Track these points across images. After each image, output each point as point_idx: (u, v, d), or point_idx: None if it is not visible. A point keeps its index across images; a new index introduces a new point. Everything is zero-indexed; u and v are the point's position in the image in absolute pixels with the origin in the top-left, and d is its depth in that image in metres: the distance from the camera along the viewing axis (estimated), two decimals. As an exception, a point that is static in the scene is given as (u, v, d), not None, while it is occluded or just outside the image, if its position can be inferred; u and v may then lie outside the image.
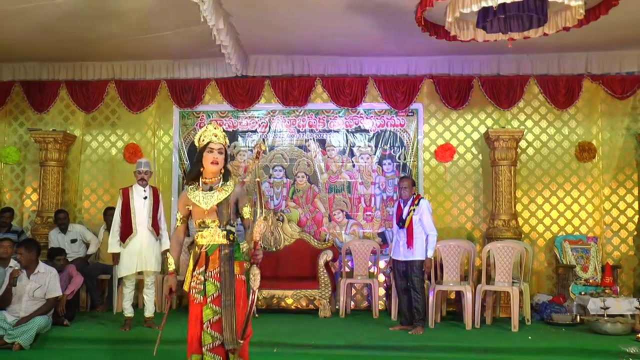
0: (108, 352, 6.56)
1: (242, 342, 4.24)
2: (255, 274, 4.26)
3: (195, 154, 4.52)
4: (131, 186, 7.50)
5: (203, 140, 4.40)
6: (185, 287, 4.39)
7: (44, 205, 9.48)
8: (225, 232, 4.34)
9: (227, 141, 4.52)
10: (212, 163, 4.36)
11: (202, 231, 4.35)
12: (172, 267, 4.33)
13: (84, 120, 10.04)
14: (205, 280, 4.30)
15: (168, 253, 4.39)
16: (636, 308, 7.57)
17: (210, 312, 4.25)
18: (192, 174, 4.46)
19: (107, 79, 9.87)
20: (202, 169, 4.41)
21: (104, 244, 8.67)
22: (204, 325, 4.25)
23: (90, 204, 9.93)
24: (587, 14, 6.83)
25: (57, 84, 9.90)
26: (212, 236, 4.33)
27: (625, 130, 9.50)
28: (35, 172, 9.83)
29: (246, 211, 4.43)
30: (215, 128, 4.44)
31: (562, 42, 8.39)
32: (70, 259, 8.59)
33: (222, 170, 4.44)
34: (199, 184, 4.41)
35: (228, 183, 4.41)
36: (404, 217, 7.46)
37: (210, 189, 4.38)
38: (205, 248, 4.33)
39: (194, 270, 4.35)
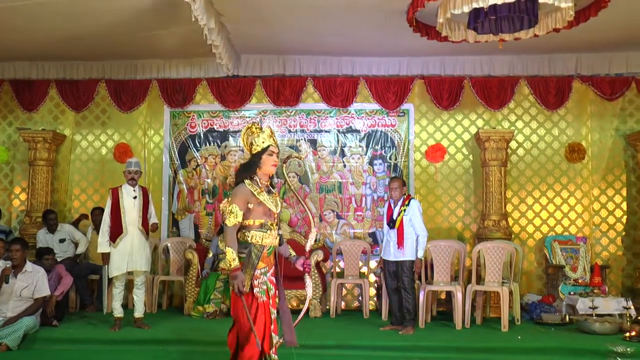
0: (97, 352, 6.54)
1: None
2: (310, 283, 4.57)
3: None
4: (121, 186, 7.45)
5: (263, 142, 4.47)
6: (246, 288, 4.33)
7: (32, 205, 9.43)
8: (279, 236, 4.53)
9: None
10: (272, 166, 4.48)
11: (265, 232, 4.40)
12: (237, 262, 4.26)
13: (74, 120, 9.99)
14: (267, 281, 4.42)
15: (229, 248, 4.27)
16: (624, 308, 7.63)
17: (271, 312, 4.38)
18: (248, 173, 4.48)
19: (98, 78, 9.82)
20: (257, 170, 4.48)
21: (93, 244, 8.65)
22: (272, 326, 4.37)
23: (80, 204, 9.88)
24: (576, 15, 6.88)
25: (47, 83, 9.85)
26: (273, 238, 4.45)
27: (614, 131, 9.55)
28: (24, 172, 9.78)
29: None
30: (272, 132, 4.57)
31: (553, 43, 8.43)
32: (59, 259, 8.54)
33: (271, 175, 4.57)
34: (258, 185, 4.44)
35: (274, 189, 4.59)
36: (394, 217, 7.47)
37: (269, 191, 4.51)
38: (267, 249, 4.41)
39: (254, 270, 4.35)
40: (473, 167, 9.58)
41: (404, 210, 7.42)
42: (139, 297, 7.42)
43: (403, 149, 9.62)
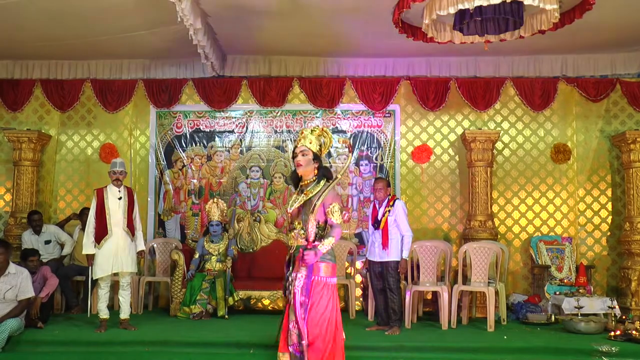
0: (83, 354, 6.48)
1: (304, 343, 4.32)
2: (300, 275, 4.42)
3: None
4: (105, 187, 7.40)
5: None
6: None
7: (17, 206, 9.35)
8: (304, 234, 4.45)
9: (320, 141, 4.58)
10: (297, 166, 4.53)
11: (291, 233, 4.51)
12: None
13: (59, 120, 9.92)
14: (292, 281, 4.43)
15: None
16: (609, 307, 7.69)
17: (292, 313, 4.39)
18: (292, 180, 4.67)
19: (83, 78, 9.77)
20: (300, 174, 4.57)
21: (80, 244, 8.57)
22: (290, 325, 4.37)
23: (65, 205, 9.81)
24: (562, 17, 6.93)
25: (32, 83, 9.78)
26: (295, 238, 4.45)
27: (599, 132, 9.62)
28: (9, 172, 9.70)
29: (329, 212, 4.45)
30: (304, 131, 4.60)
31: (538, 44, 8.48)
32: (44, 260, 8.49)
33: (316, 171, 4.52)
34: (297, 188, 4.57)
35: (319, 184, 4.47)
36: (379, 218, 7.47)
37: (302, 191, 4.51)
38: (292, 250, 4.46)
39: (286, 270, 4.51)
40: (459, 168, 9.61)
41: (389, 210, 7.42)
42: (124, 298, 7.37)
43: (389, 150, 9.64)
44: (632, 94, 9.46)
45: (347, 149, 9.67)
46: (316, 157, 4.55)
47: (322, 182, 4.48)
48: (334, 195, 4.50)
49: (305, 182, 4.55)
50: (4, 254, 6.90)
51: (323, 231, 4.46)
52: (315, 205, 4.40)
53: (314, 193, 4.43)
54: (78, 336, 7.06)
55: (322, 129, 4.67)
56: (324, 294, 4.42)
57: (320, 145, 4.60)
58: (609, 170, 9.58)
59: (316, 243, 4.38)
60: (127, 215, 7.32)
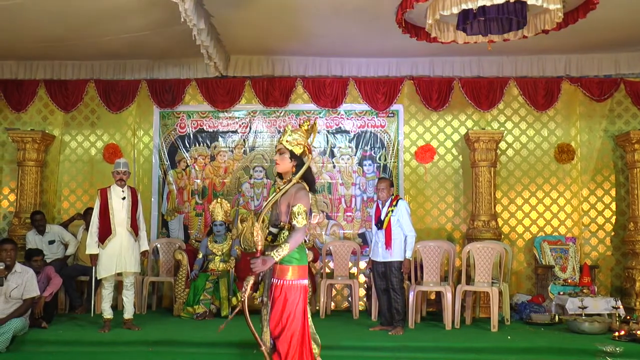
0: (86, 354, 6.49)
1: (261, 347, 4.31)
2: (247, 284, 4.29)
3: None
4: (109, 187, 7.42)
5: None
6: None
7: (21, 206, 9.37)
8: (267, 233, 4.38)
9: (301, 140, 4.42)
10: (276, 165, 4.47)
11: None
12: None
13: (63, 120, 9.94)
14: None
15: None
16: (613, 307, 7.67)
17: (265, 313, 4.40)
18: (280, 179, 4.54)
19: (87, 79, 9.78)
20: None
21: (84, 244, 8.58)
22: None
23: (69, 205, 9.83)
24: (565, 17, 6.92)
25: (36, 83, 9.79)
26: (263, 238, 4.34)
27: (603, 132, 9.60)
28: (13, 172, 9.72)
29: (292, 213, 4.22)
30: (286, 128, 4.48)
31: (542, 44, 8.47)
32: (48, 260, 8.50)
33: (294, 170, 4.41)
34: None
35: (290, 184, 4.34)
36: (382, 218, 7.47)
37: (281, 189, 4.41)
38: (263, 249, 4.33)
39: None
40: (462, 168, 9.61)
41: (392, 211, 7.42)
42: (128, 298, 7.39)
43: (392, 150, 9.63)
44: (636, 94, 9.44)
45: (349, 149, 9.66)
46: (293, 156, 4.39)
47: (293, 181, 4.33)
48: (298, 195, 4.25)
49: (284, 182, 4.44)
50: (13, 250, 6.96)
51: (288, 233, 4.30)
52: (284, 205, 4.31)
53: (281, 193, 4.32)
54: (82, 336, 7.08)
55: (314, 124, 4.55)
56: (290, 298, 4.27)
57: (300, 144, 4.40)
58: (612, 170, 9.56)
59: (268, 250, 4.27)
60: (131, 216, 7.34)
